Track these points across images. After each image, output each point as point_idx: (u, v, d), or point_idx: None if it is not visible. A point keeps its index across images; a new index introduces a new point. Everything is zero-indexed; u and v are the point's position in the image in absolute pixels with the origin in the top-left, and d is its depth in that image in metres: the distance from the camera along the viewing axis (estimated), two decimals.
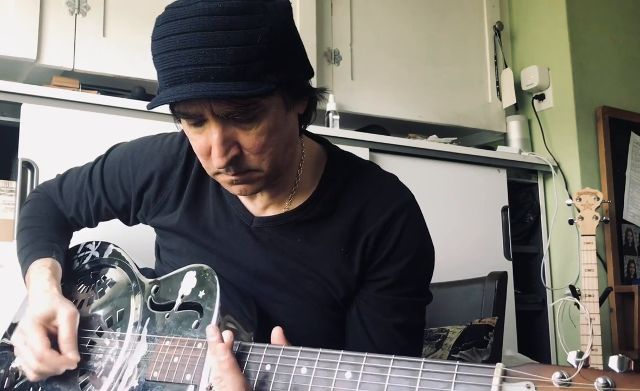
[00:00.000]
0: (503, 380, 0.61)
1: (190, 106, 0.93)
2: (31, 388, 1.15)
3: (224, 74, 0.88)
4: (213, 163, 0.97)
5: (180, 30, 0.89)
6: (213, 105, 0.92)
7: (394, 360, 0.73)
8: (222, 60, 0.88)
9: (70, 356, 1.08)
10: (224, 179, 1.02)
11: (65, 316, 1.11)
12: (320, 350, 0.81)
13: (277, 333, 0.91)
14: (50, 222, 1.32)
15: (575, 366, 0.56)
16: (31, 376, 1.10)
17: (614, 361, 0.55)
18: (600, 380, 0.54)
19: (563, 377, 0.57)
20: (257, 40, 0.90)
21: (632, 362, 0.56)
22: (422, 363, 0.70)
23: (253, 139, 0.96)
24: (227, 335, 0.90)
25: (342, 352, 0.80)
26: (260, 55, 0.90)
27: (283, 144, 1.02)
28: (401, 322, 1.09)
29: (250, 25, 0.90)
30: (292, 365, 0.83)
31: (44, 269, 1.20)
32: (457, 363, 0.66)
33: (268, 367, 0.86)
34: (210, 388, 0.90)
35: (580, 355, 0.56)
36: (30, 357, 1.08)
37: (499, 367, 0.62)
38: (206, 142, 0.97)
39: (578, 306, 2.38)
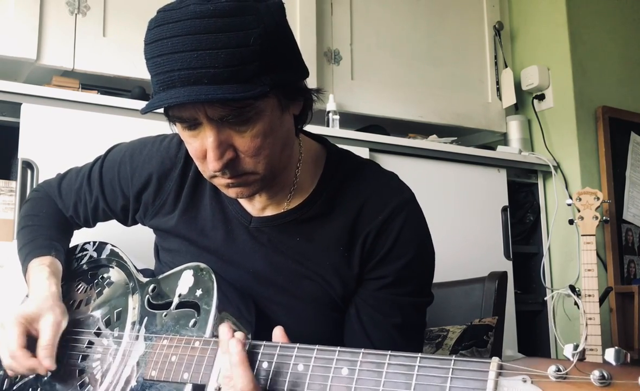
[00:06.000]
0: (499, 374, 0.61)
1: (184, 110, 0.93)
2: (30, 389, 1.15)
3: (217, 77, 0.88)
4: (209, 167, 0.97)
5: (172, 34, 0.89)
6: (207, 108, 0.91)
7: (390, 355, 0.73)
8: (215, 64, 0.87)
9: (45, 363, 1.07)
10: (220, 182, 1.01)
11: (49, 323, 1.10)
12: (316, 347, 0.81)
13: (278, 331, 0.90)
14: (50, 220, 1.32)
15: (571, 359, 0.56)
16: (8, 371, 1.10)
17: (610, 354, 0.55)
18: (596, 373, 0.54)
19: (559, 370, 0.56)
20: (250, 42, 0.89)
21: (629, 354, 0.56)
22: (419, 358, 0.69)
23: (248, 141, 0.95)
24: (239, 334, 0.88)
25: (338, 348, 0.79)
26: (254, 58, 0.90)
27: (279, 146, 1.01)
28: (400, 322, 1.08)
29: (242, 27, 0.89)
30: (289, 362, 0.83)
31: (43, 268, 1.19)
32: (453, 357, 0.66)
33: (265, 365, 0.85)
34: (219, 389, 0.89)
35: (576, 347, 0.56)
36: (5, 353, 1.08)
37: (495, 361, 0.62)
38: (201, 145, 0.96)
39: (577, 295, 2.37)
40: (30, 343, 1.09)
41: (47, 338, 1.09)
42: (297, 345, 0.83)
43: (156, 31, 0.91)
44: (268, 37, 0.91)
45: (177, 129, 1.01)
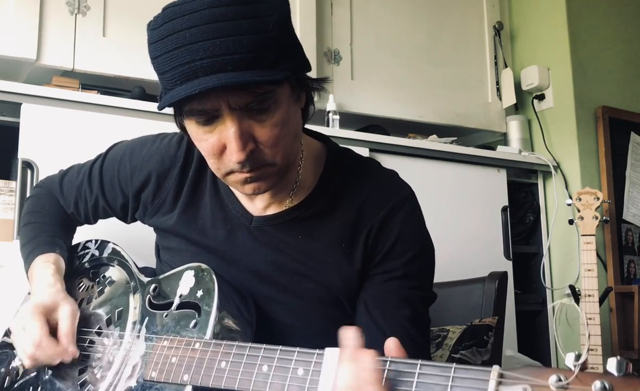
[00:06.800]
0: (499, 383, 0.61)
1: (206, 101, 0.92)
2: (31, 387, 1.15)
3: (242, 62, 0.88)
4: (231, 158, 0.96)
5: (190, 25, 0.88)
6: (230, 97, 0.91)
7: (390, 361, 0.73)
8: (239, 49, 0.87)
9: (70, 349, 1.08)
10: (236, 178, 1.00)
11: (68, 312, 1.11)
12: (316, 351, 0.81)
13: (392, 344, 0.78)
14: (53, 217, 1.32)
15: (573, 368, 0.56)
16: (26, 362, 1.09)
17: (612, 364, 0.55)
18: (597, 384, 0.54)
19: (560, 380, 0.56)
20: (269, 28, 0.90)
21: (631, 365, 0.56)
22: (419, 364, 0.69)
23: (268, 131, 0.95)
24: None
25: None
26: (274, 43, 0.91)
27: (292, 137, 1.02)
28: (410, 314, 1.08)
29: (260, 14, 0.90)
30: (289, 366, 0.82)
31: (48, 265, 1.19)
32: (454, 365, 0.65)
33: (265, 368, 0.85)
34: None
35: (578, 357, 0.56)
36: (28, 342, 1.08)
37: (495, 370, 0.62)
38: (219, 140, 0.96)
39: (577, 295, 2.37)
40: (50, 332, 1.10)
41: (67, 326, 1.09)
42: (297, 348, 0.83)
43: (168, 26, 0.90)
44: (282, 24, 0.93)
45: (189, 127, 1.00)
